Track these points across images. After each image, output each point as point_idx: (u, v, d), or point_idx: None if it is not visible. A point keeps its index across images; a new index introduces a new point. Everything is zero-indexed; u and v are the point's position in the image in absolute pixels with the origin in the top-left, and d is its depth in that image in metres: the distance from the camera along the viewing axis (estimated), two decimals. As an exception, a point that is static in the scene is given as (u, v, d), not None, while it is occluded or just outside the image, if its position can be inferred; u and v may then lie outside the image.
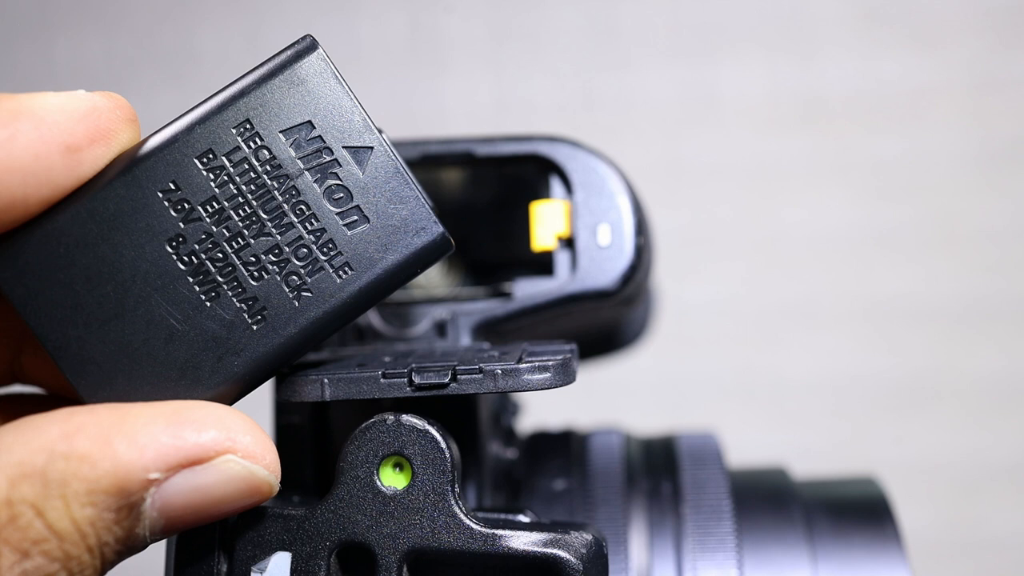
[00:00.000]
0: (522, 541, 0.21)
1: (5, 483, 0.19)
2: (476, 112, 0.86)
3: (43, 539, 0.19)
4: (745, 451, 0.34)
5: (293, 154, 0.21)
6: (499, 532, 0.21)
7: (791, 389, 0.80)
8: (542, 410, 0.42)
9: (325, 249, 0.21)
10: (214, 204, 0.21)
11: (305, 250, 0.21)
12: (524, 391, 0.21)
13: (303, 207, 0.21)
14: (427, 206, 0.21)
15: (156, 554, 0.24)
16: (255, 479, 0.20)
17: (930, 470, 0.77)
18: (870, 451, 0.77)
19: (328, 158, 0.21)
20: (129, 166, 0.21)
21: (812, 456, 0.37)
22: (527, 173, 0.26)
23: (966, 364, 0.77)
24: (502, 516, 0.23)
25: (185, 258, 0.21)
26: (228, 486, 0.20)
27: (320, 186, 0.21)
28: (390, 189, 0.21)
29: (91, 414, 0.20)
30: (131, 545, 0.20)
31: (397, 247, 0.21)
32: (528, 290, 0.26)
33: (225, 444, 0.20)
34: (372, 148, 0.22)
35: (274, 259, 0.21)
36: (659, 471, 0.28)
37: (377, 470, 0.21)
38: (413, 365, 0.21)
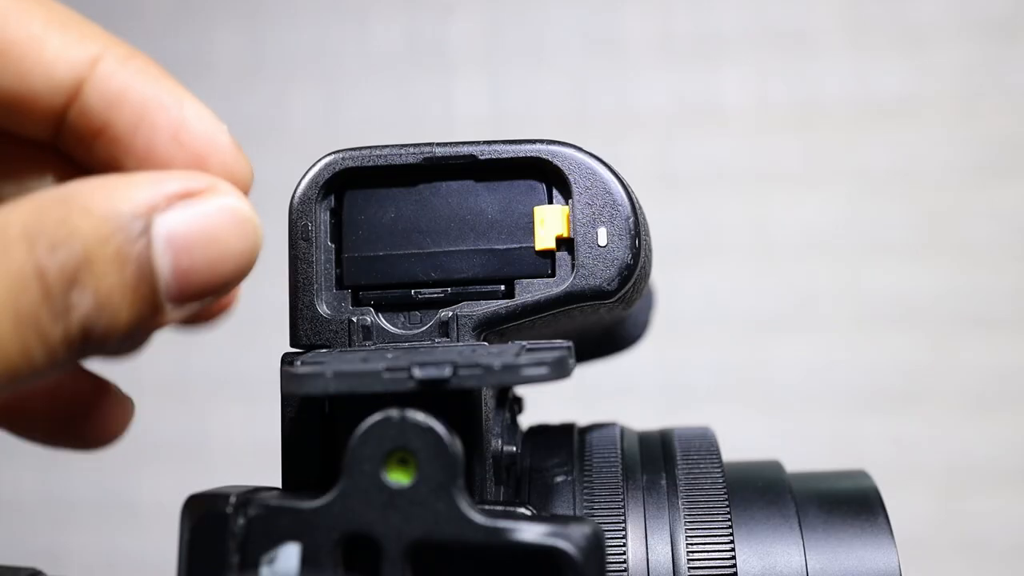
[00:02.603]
0: (523, 533, 0.22)
1: (25, 251, 0.20)
2: (476, 119, 0.87)
3: (73, 306, 0.20)
4: (740, 451, 0.35)
5: None
6: (501, 525, 0.22)
7: (785, 390, 0.80)
8: (542, 411, 0.43)
9: None
10: None
11: None
12: (522, 384, 0.22)
13: None
14: None
15: (167, 547, 0.24)
16: (247, 216, 0.22)
17: (924, 469, 0.77)
18: (864, 451, 0.78)
19: None
20: None
21: (806, 455, 0.38)
22: (529, 176, 0.27)
23: (957, 364, 0.78)
24: (504, 509, 0.23)
25: None
26: (224, 217, 0.22)
27: None
28: None
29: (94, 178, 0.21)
30: (151, 303, 0.21)
31: None
32: (528, 290, 0.26)
33: (213, 182, 0.22)
34: None
35: None
36: (657, 464, 0.29)
37: (383, 464, 0.22)
38: (415, 360, 0.22)
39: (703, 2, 0.83)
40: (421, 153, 0.27)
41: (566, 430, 0.31)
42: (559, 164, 0.27)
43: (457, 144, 0.27)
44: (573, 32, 0.86)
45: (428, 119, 0.89)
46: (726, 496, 0.27)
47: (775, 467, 0.30)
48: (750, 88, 0.82)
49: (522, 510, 0.24)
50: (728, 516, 0.27)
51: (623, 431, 0.30)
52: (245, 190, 0.25)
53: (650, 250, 0.28)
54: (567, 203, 0.27)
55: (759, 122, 0.82)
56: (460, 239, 0.27)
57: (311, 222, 0.27)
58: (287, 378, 0.22)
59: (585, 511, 0.27)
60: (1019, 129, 0.77)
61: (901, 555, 0.26)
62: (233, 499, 0.23)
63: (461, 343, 0.26)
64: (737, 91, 0.82)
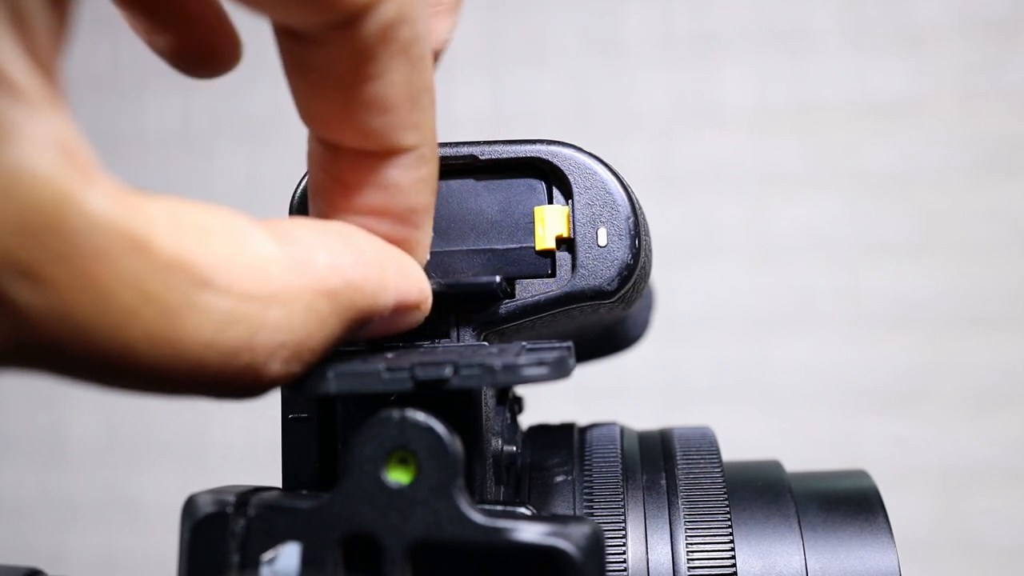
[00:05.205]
0: (523, 533, 0.22)
1: None
2: (476, 119, 0.87)
3: None
4: (740, 450, 0.35)
5: None
6: (501, 524, 0.22)
7: (785, 390, 0.80)
8: (542, 410, 0.43)
9: None
10: None
11: None
12: (522, 384, 0.22)
13: None
14: None
15: (168, 547, 0.24)
16: None
17: (924, 469, 0.77)
18: (864, 451, 0.78)
19: None
20: None
21: (806, 455, 0.38)
22: (529, 176, 0.27)
23: (957, 364, 0.78)
24: (504, 509, 0.23)
25: None
26: None
27: None
28: None
29: None
30: None
31: None
32: (529, 290, 0.27)
33: None
34: None
35: None
36: (656, 463, 0.29)
37: (383, 464, 0.22)
38: (415, 360, 0.22)
39: (703, 2, 0.83)
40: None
41: (566, 430, 0.31)
42: (559, 164, 0.27)
43: (457, 144, 0.27)
44: (573, 32, 0.86)
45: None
46: (726, 496, 0.27)
47: (775, 467, 0.30)
48: (750, 88, 0.82)
49: (522, 510, 0.24)
50: (728, 516, 0.27)
51: (623, 431, 0.31)
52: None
53: (650, 250, 0.29)
54: (567, 203, 0.27)
55: (759, 122, 0.82)
56: (460, 239, 0.27)
57: (312, 222, 0.27)
58: None
59: (585, 511, 0.27)
60: (1018, 129, 0.77)
61: (901, 555, 0.27)
62: (233, 499, 0.23)
63: (461, 343, 0.26)
64: (737, 91, 0.82)
